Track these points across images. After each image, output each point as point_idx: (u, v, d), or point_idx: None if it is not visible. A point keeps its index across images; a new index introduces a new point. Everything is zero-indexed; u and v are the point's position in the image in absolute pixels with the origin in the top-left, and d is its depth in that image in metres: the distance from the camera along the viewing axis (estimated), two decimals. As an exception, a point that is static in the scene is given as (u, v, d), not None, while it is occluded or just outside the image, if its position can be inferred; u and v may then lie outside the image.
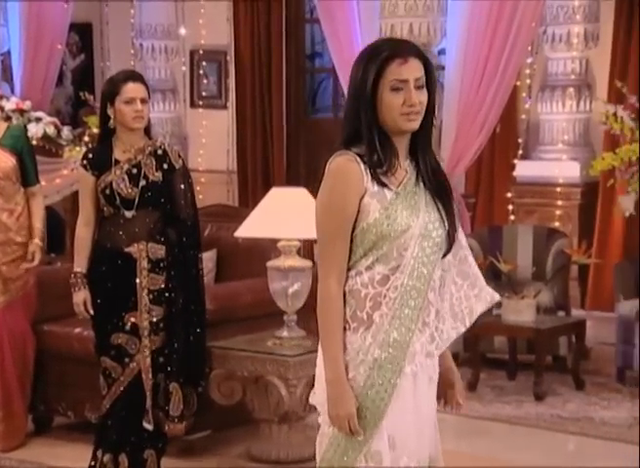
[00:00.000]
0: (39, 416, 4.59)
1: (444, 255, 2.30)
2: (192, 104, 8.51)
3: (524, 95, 6.96)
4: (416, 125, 2.24)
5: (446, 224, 2.28)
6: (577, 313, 5.87)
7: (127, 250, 3.64)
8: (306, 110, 8.56)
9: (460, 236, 2.34)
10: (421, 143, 2.29)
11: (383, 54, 2.22)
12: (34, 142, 6.61)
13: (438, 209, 2.28)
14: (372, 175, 2.23)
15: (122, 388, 3.70)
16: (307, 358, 3.94)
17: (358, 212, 2.23)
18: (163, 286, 3.67)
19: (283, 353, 3.94)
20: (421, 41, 6.24)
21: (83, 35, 8.75)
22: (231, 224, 4.52)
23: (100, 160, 3.70)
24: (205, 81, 8.43)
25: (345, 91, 6.88)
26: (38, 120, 7.04)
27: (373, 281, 2.24)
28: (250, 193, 8.08)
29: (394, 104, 2.21)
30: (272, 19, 8.03)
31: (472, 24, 6.28)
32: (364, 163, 2.23)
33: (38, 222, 4.34)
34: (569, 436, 4.59)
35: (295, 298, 4.02)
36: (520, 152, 6.91)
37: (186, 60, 8.46)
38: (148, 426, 3.70)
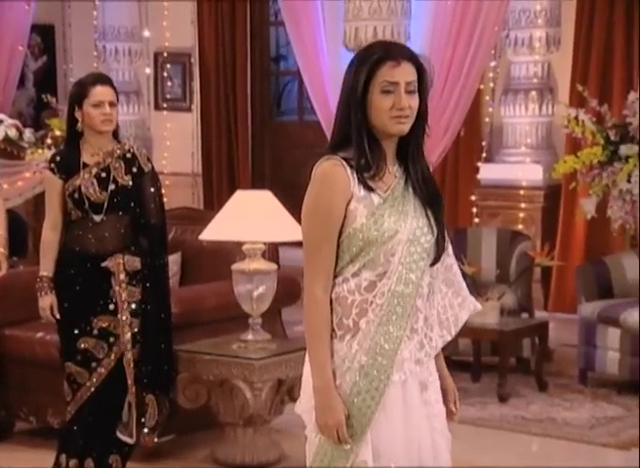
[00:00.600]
0: (0, 422, 4.53)
1: (433, 263, 2.27)
2: (156, 107, 8.47)
3: (487, 98, 7.02)
4: (405, 128, 2.21)
5: (435, 231, 2.26)
6: (540, 315, 5.92)
7: (103, 264, 3.62)
8: (271, 113, 8.55)
9: (447, 244, 2.32)
10: (411, 149, 2.25)
11: (375, 56, 2.19)
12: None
13: (427, 215, 2.25)
14: (359, 179, 2.20)
15: (89, 394, 3.67)
16: (272, 361, 3.94)
17: (345, 217, 2.20)
18: (140, 297, 3.66)
19: (248, 356, 3.93)
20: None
21: (45, 37, 8.66)
22: (196, 227, 4.51)
23: (67, 163, 3.67)
24: (169, 83, 8.39)
25: (310, 93, 6.93)
26: (-1, 122, 6.96)
27: (359, 287, 2.21)
28: (215, 196, 8.06)
29: (384, 107, 2.18)
30: (237, 21, 8.01)
31: (436, 27, 6.32)
32: (351, 167, 2.20)
33: (1, 229, 4.28)
34: (532, 437, 4.63)
35: (260, 301, 4.02)
36: (484, 155, 6.96)
37: (150, 63, 8.42)
38: (129, 440, 3.70)
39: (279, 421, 4.23)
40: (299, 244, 4.65)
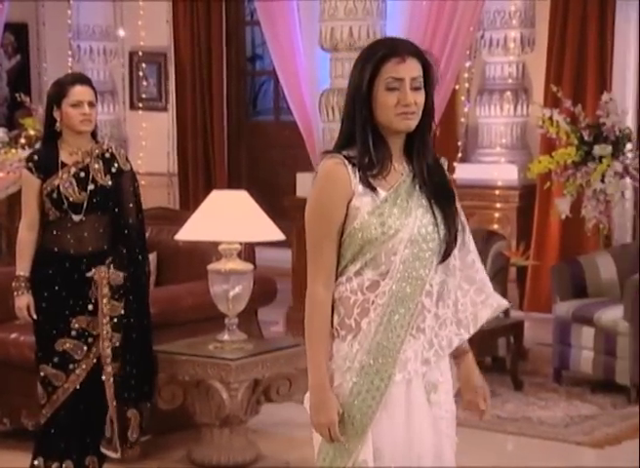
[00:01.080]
0: (-26, 424, 4.50)
1: (443, 260, 2.24)
2: (132, 106, 8.43)
3: (463, 98, 7.05)
4: (411, 125, 2.19)
5: (442, 228, 2.23)
6: (515, 314, 5.95)
7: (88, 274, 3.59)
8: (247, 113, 8.54)
9: (468, 240, 2.30)
10: (417, 145, 2.23)
11: (380, 52, 2.18)
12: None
13: (434, 212, 2.23)
14: (360, 177, 2.19)
15: (66, 396, 3.64)
16: (249, 361, 3.94)
17: (346, 215, 2.18)
18: (122, 312, 3.63)
19: (224, 357, 3.92)
20: (361, 44, 6.26)
21: (18, 35, 8.60)
22: (172, 227, 4.49)
23: (45, 163, 3.64)
24: (145, 83, 8.36)
25: (286, 93, 6.92)
26: (-27, 122, 6.91)
27: (362, 287, 2.20)
28: (191, 196, 8.03)
29: (389, 104, 2.17)
30: (212, 20, 7.99)
31: (412, 28, 6.33)
32: (353, 165, 2.19)
33: None
34: (507, 436, 4.65)
35: (236, 302, 4.01)
36: (459, 155, 6.99)
37: (125, 62, 8.38)
38: (114, 455, 3.68)
39: (255, 421, 4.22)
40: (275, 244, 4.67)
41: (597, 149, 5.59)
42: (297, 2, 6.70)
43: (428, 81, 2.21)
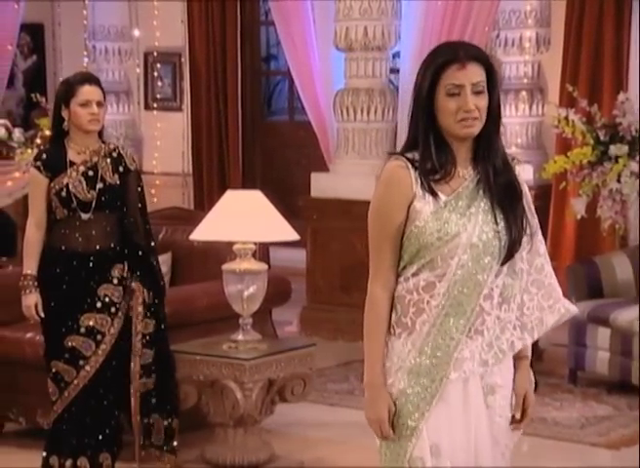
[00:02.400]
0: (-10, 423, 4.52)
1: (504, 262, 2.23)
2: (147, 107, 8.45)
3: (478, 98, 7.02)
4: (473, 131, 2.21)
5: (504, 233, 2.21)
6: (530, 314, 5.92)
7: (132, 285, 3.66)
8: (262, 113, 8.55)
9: (539, 244, 2.29)
10: (483, 149, 2.23)
11: (440, 59, 2.21)
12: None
13: (496, 217, 2.22)
14: (422, 181, 2.20)
15: (77, 392, 3.66)
16: (263, 361, 3.94)
17: (407, 218, 2.21)
18: (153, 329, 3.71)
19: (238, 357, 3.93)
20: (376, 44, 6.26)
21: (34, 36, 8.64)
22: (186, 227, 4.50)
23: (53, 161, 3.66)
24: (159, 83, 8.38)
25: (301, 93, 6.92)
26: (-11, 122, 6.94)
27: (417, 287, 2.21)
28: (205, 196, 8.04)
29: (450, 110, 2.19)
30: (227, 20, 8.00)
31: (427, 28, 6.32)
32: (415, 169, 2.21)
33: None
34: (522, 436, 4.59)
35: (250, 302, 4.01)
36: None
37: (140, 62, 8.40)
38: (134, 465, 3.77)
39: (270, 421, 4.22)
40: (289, 244, 4.67)
41: (613, 149, 5.56)
42: (311, 2, 6.70)
43: (492, 84, 2.22)
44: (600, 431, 4.59)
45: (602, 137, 5.59)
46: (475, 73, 2.20)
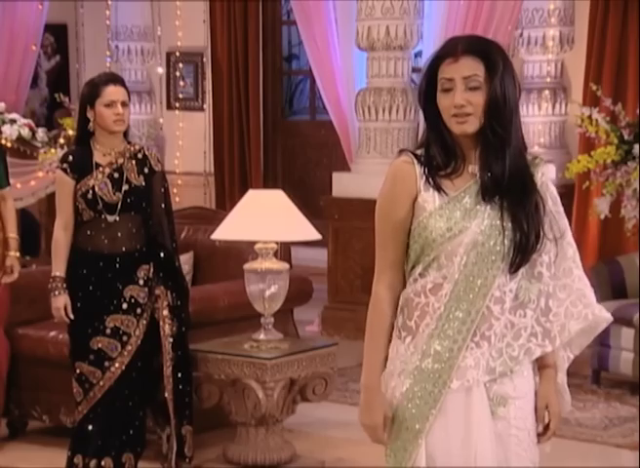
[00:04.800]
0: (13, 421, 4.54)
1: (517, 266, 2.10)
2: (169, 106, 8.48)
3: (500, 97, 6.99)
4: (466, 127, 2.08)
5: (511, 232, 2.09)
6: (553, 315, 5.88)
7: (157, 292, 3.71)
8: (283, 112, 8.55)
9: (566, 246, 2.15)
10: (489, 146, 2.09)
11: (437, 53, 2.11)
12: (8, 145, 6.56)
13: (503, 216, 2.09)
14: (427, 177, 2.11)
15: (102, 393, 3.68)
16: (285, 361, 3.94)
17: (413, 215, 2.12)
18: (175, 332, 3.76)
19: (260, 356, 3.93)
20: (398, 43, 6.25)
21: (58, 36, 8.69)
22: (208, 227, 4.51)
23: (80, 163, 3.67)
24: (182, 83, 8.40)
25: (322, 92, 6.92)
26: (13, 122, 6.97)
27: (425, 289, 2.12)
28: (227, 195, 8.06)
29: (443, 106, 2.09)
30: (249, 20, 8.01)
31: (449, 27, 6.30)
32: (421, 164, 2.13)
33: (12, 232, 4.25)
34: (545, 437, 4.60)
35: (272, 301, 4.01)
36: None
37: (163, 62, 8.43)
38: None
39: (291, 421, 4.22)
40: (310, 244, 4.66)
41: (637, 148, 5.51)
42: (333, 1, 6.69)
43: (491, 77, 2.07)
44: (624, 432, 4.56)
45: (626, 137, 5.55)
46: (468, 67, 2.06)
